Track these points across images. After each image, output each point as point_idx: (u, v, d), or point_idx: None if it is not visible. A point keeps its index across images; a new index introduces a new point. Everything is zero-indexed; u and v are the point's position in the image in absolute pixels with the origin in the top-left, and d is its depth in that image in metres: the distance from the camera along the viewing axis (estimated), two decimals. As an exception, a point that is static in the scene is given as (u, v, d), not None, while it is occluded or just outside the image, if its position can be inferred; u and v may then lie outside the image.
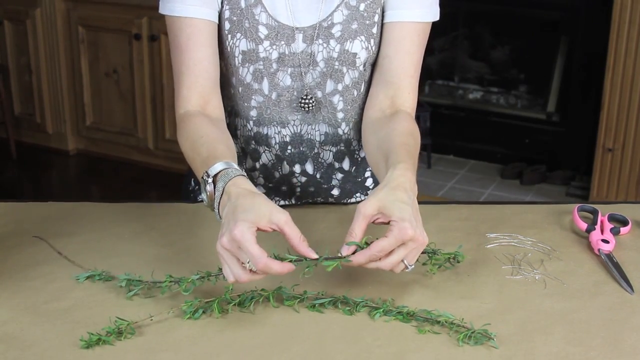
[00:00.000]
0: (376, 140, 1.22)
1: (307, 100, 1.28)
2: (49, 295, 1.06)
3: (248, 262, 0.96)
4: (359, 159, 1.39)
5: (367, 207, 1.01)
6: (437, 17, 1.27)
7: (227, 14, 1.25)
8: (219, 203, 1.05)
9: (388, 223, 1.00)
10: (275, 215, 0.99)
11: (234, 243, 0.96)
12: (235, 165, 1.08)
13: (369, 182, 1.42)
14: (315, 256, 0.99)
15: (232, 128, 1.34)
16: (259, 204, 1.00)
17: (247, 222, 0.96)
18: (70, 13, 4.15)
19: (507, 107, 4.18)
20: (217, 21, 1.25)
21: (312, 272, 1.00)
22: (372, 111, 1.28)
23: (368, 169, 1.41)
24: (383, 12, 1.27)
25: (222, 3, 1.25)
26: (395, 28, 1.25)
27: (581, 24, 3.74)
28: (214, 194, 1.06)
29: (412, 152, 1.14)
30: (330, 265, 0.99)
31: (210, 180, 1.07)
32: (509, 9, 4.01)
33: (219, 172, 1.06)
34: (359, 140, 1.35)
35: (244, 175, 1.07)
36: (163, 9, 1.25)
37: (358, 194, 1.41)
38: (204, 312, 1.01)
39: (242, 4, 1.24)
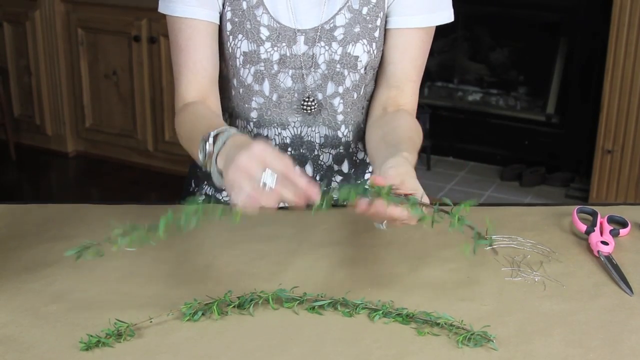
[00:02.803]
0: (382, 132, 1.23)
1: (309, 102, 1.29)
2: (48, 298, 1.05)
3: (263, 183, 0.90)
4: (358, 161, 1.39)
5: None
6: (442, 20, 1.27)
7: (228, 15, 1.25)
8: (218, 153, 1.01)
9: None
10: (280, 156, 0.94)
11: (252, 160, 0.91)
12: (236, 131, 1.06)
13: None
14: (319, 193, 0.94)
15: (232, 130, 1.34)
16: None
17: (262, 142, 0.93)
18: (70, 15, 4.15)
19: (507, 108, 4.18)
20: (217, 22, 1.25)
21: (327, 208, 0.96)
22: (375, 111, 1.30)
23: (367, 172, 1.41)
24: (386, 17, 1.27)
25: (223, 4, 1.25)
26: (400, 35, 1.26)
27: (580, 25, 3.74)
28: (213, 152, 1.02)
29: (416, 148, 1.16)
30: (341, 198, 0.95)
31: (211, 140, 1.03)
32: (508, 11, 4.01)
33: (220, 132, 1.04)
34: (358, 142, 1.36)
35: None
36: (164, 9, 1.25)
37: (357, 196, 1.41)
38: (203, 314, 1.00)
39: (244, 6, 1.24)
